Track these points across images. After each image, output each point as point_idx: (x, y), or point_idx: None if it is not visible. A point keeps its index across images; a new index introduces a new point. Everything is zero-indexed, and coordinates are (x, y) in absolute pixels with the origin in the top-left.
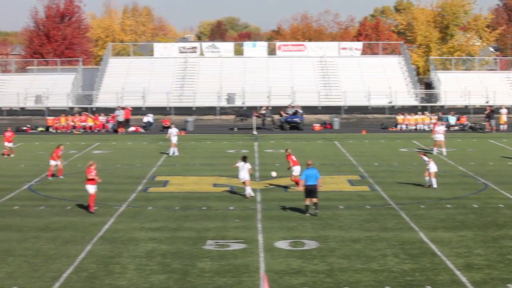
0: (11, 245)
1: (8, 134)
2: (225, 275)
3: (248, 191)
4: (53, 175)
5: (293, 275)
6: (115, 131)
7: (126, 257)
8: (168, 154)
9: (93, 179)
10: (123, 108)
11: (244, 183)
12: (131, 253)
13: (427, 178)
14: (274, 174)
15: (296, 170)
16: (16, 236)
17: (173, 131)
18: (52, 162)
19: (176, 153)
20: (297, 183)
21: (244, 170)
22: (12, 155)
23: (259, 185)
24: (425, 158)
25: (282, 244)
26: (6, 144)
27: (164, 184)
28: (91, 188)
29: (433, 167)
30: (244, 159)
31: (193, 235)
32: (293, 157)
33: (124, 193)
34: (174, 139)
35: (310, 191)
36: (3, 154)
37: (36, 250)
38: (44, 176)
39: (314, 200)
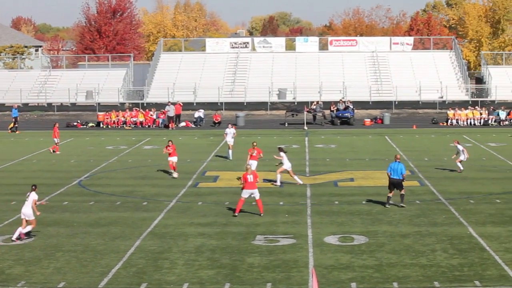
0: (60, 241)
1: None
2: (274, 270)
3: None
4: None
5: (342, 270)
6: (166, 126)
7: (175, 252)
8: (227, 158)
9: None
10: (173, 104)
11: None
12: (180, 248)
13: (459, 163)
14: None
15: (253, 165)
16: (65, 232)
17: (231, 131)
18: (172, 159)
19: (230, 157)
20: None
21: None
22: (57, 152)
23: (309, 180)
24: (460, 146)
25: (331, 239)
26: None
27: (214, 179)
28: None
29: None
30: (281, 149)
31: (242, 230)
32: (255, 153)
33: (174, 188)
34: (231, 141)
35: (395, 184)
36: (54, 151)
37: (85, 246)
38: (94, 172)
39: (402, 192)
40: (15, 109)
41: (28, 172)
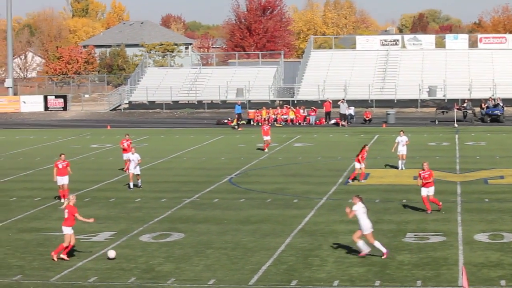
0: (211, 238)
1: (265, 127)
2: (424, 268)
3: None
4: (354, 179)
5: (492, 268)
6: (337, 124)
7: (325, 250)
8: (397, 167)
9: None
10: (323, 101)
11: None
12: (331, 246)
13: None
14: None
15: None
16: (216, 229)
17: (403, 139)
18: (357, 165)
19: (403, 167)
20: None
21: None
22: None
23: (459, 177)
24: None
25: (481, 237)
26: (265, 138)
27: (364, 177)
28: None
29: None
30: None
31: (393, 228)
32: None
33: (325, 186)
34: (402, 150)
35: None
36: (263, 149)
37: (235, 243)
38: (245, 169)
39: None
40: (238, 105)
41: (178, 169)
